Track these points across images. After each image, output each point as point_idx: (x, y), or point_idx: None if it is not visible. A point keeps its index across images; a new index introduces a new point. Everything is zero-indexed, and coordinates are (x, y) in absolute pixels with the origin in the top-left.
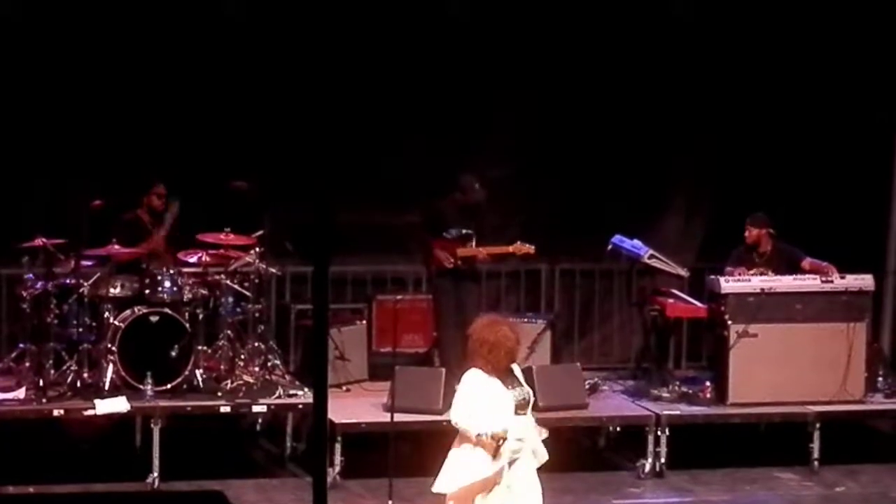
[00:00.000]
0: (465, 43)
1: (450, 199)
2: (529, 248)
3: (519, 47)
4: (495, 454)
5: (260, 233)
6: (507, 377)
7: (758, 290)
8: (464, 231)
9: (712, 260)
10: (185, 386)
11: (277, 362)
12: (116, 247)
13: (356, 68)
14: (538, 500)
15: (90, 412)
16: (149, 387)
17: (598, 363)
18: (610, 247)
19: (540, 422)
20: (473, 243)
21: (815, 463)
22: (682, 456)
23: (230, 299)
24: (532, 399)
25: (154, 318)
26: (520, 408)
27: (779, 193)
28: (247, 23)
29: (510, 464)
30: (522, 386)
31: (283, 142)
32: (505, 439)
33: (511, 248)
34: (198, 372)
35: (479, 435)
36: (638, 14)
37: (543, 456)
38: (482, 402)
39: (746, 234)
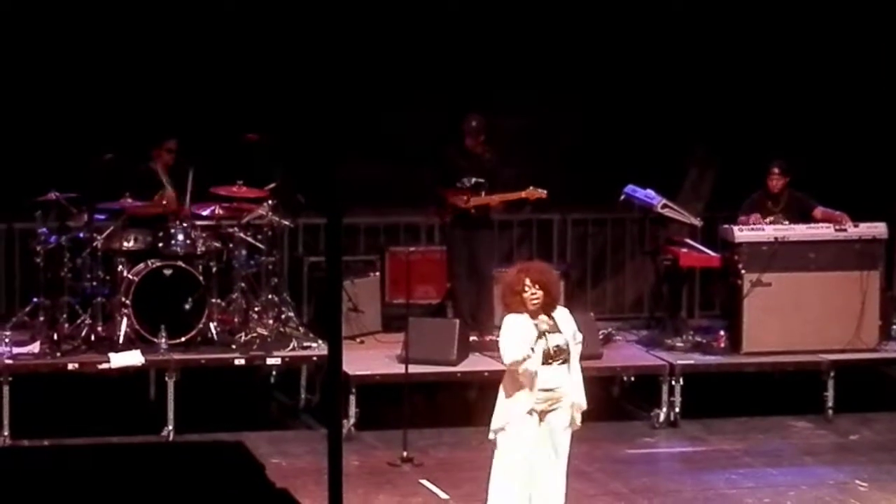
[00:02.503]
0: None
1: (455, 146)
2: (542, 193)
3: None
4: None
5: (272, 185)
6: (549, 320)
7: (771, 239)
8: (475, 180)
9: (725, 209)
10: (199, 339)
11: (291, 314)
12: (129, 200)
13: (368, 18)
14: (558, 468)
15: (104, 366)
16: (163, 340)
17: (611, 313)
18: (623, 196)
19: None
20: (484, 193)
21: (830, 411)
22: (696, 405)
23: (243, 252)
24: (567, 350)
25: (168, 272)
26: (548, 357)
27: (791, 141)
28: None
29: (542, 415)
30: (560, 334)
31: (296, 93)
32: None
33: (524, 194)
34: (212, 325)
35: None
36: None
37: (575, 422)
38: (515, 337)
39: (774, 180)
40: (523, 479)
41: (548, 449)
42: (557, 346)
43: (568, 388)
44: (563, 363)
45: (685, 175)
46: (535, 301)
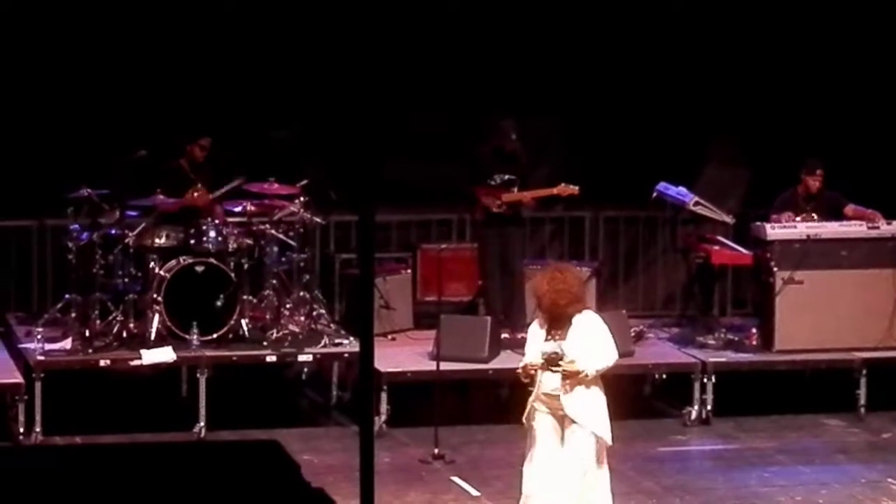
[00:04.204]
0: None
1: (488, 145)
2: (574, 189)
3: None
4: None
5: (304, 182)
6: (557, 328)
7: (803, 237)
8: (507, 177)
9: (758, 206)
10: (230, 336)
11: (323, 311)
12: (161, 197)
13: (401, 17)
14: (579, 466)
15: (136, 362)
16: (195, 337)
17: (643, 310)
18: (655, 194)
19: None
20: (516, 189)
21: (862, 409)
22: (727, 403)
23: (275, 249)
24: (563, 357)
25: (199, 268)
26: (548, 363)
27: (824, 139)
28: None
29: (560, 421)
30: (563, 341)
31: (328, 90)
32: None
33: (555, 190)
34: (243, 322)
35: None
36: None
37: (579, 421)
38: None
39: (812, 180)
40: (542, 473)
41: (566, 457)
42: (556, 353)
43: (577, 398)
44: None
45: (714, 173)
46: (538, 312)
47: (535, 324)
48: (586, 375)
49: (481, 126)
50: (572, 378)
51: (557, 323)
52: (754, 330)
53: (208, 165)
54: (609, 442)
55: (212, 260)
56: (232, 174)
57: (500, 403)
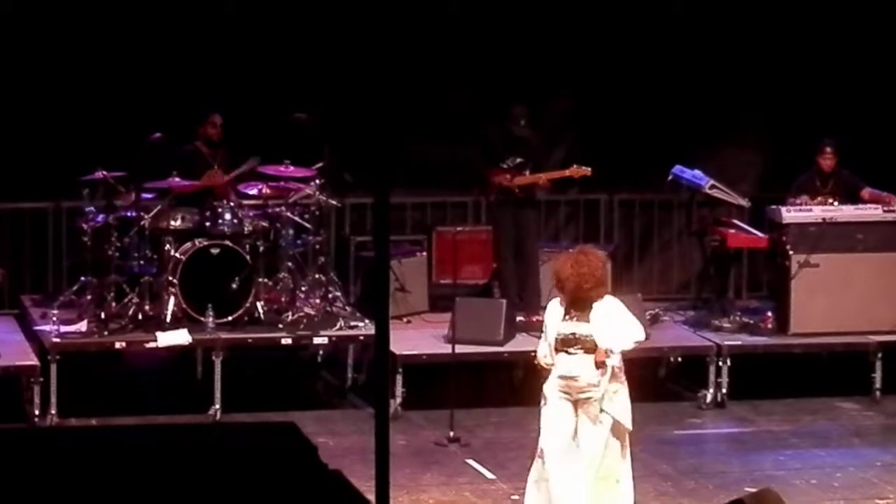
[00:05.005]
0: None
1: (497, 130)
2: (586, 171)
3: None
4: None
5: (320, 164)
6: (577, 310)
7: (819, 220)
8: (518, 160)
9: (773, 190)
10: (246, 318)
11: (338, 294)
12: (177, 179)
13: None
14: (592, 453)
15: (152, 345)
16: (210, 319)
17: (658, 294)
18: (670, 177)
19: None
20: (528, 173)
21: (877, 392)
22: (743, 386)
23: (290, 231)
24: (585, 340)
25: (215, 251)
26: (564, 344)
27: (839, 121)
28: None
29: (575, 405)
30: (585, 323)
31: (344, 72)
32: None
33: (568, 172)
34: (259, 304)
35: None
36: None
37: (604, 407)
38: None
39: (828, 160)
40: (551, 459)
41: (577, 442)
42: (573, 333)
43: (595, 380)
44: (586, 353)
45: (729, 156)
46: (559, 293)
47: (556, 301)
48: (611, 351)
49: (493, 109)
50: (598, 357)
51: (579, 305)
52: (769, 313)
53: (225, 144)
54: (629, 427)
55: (227, 242)
56: (248, 154)
57: (514, 386)
